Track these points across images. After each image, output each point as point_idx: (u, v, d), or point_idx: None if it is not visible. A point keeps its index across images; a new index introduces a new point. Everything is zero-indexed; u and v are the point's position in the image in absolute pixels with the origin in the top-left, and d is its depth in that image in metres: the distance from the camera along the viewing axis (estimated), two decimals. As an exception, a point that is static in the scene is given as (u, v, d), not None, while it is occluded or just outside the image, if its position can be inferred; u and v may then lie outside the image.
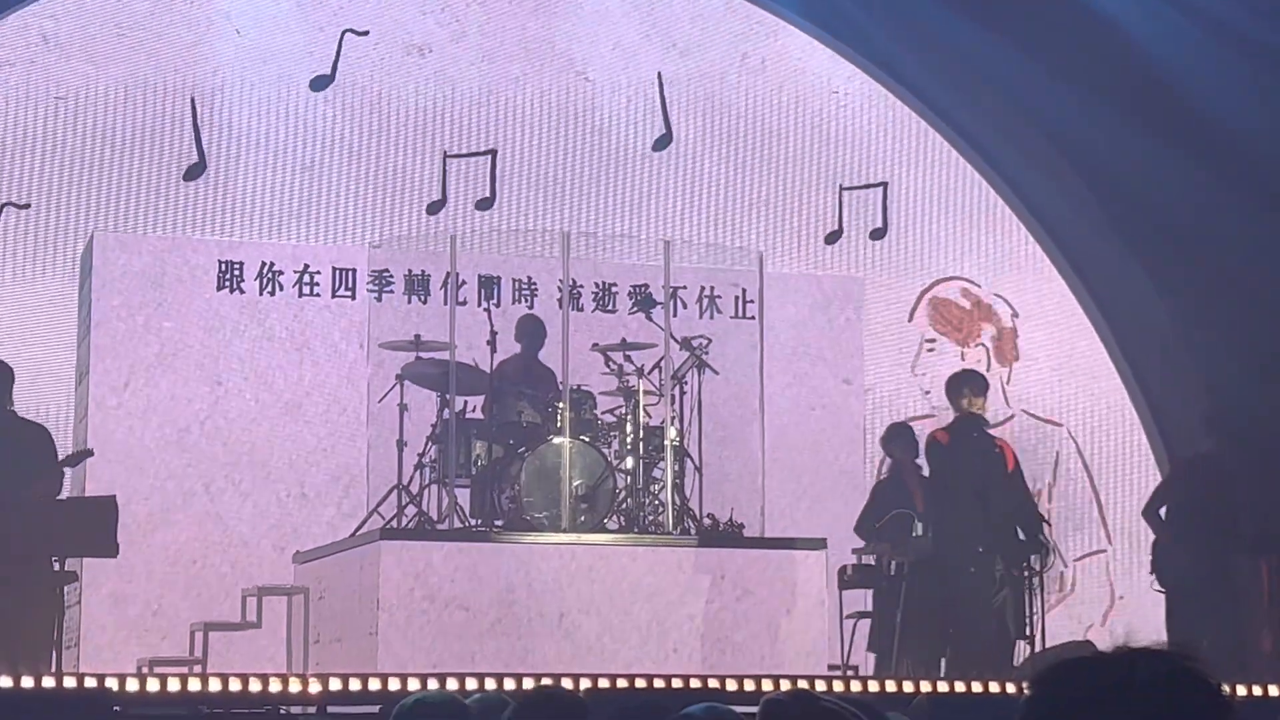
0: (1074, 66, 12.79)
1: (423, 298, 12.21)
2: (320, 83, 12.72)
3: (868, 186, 13.49)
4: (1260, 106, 12.40)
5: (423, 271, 12.28)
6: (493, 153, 12.88)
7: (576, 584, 10.11)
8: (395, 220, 12.74)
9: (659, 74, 13.18)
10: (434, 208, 12.73)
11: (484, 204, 12.88)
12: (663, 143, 13.20)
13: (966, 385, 10.93)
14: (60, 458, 10.09)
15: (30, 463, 9.68)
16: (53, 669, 9.18)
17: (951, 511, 10.55)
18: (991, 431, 11.25)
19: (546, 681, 8.09)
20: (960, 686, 9.15)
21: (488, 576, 10.02)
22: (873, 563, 11.42)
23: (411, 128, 12.85)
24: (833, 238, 13.45)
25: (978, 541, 10.44)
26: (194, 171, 12.35)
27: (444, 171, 12.79)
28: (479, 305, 11.83)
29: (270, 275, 12.13)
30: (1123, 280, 13.43)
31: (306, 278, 12.19)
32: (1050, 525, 11.83)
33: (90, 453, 10.68)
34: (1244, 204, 12.56)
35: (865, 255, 13.58)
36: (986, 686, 9.23)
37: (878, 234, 13.53)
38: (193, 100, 12.36)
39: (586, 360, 11.23)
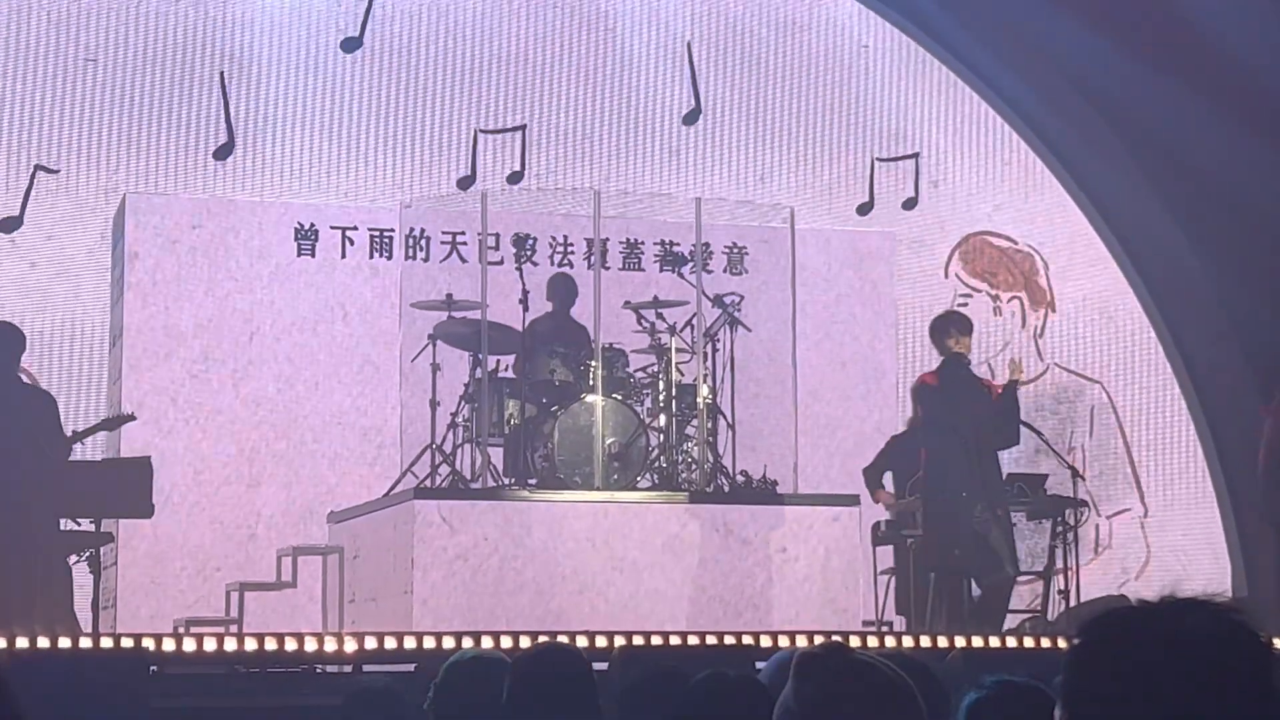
0: (1105, 17, 12.69)
1: (454, 258, 12.21)
2: (350, 44, 12.69)
3: (900, 159, 13.44)
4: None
5: (454, 232, 12.27)
6: (523, 127, 12.83)
7: (610, 542, 10.12)
8: (426, 180, 12.71)
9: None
10: (464, 183, 12.69)
11: (514, 178, 12.83)
12: (692, 116, 13.15)
13: (953, 325, 10.74)
14: (63, 424, 9.96)
15: (34, 431, 9.61)
16: (89, 630, 9.21)
17: (945, 456, 10.38)
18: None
19: (563, 639, 8.08)
20: (995, 642, 9.14)
21: (521, 535, 10.03)
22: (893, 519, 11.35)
23: (442, 87, 12.81)
24: (864, 209, 13.42)
25: (967, 484, 10.29)
26: (223, 151, 12.32)
27: (474, 146, 12.73)
28: (513, 264, 11.80)
29: (303, 236, 12.13)
30: (1157, 233, 13.34)
31: (339, 238, 12.18)
32: (1084, 479, 11.77)
33: (132, 417, 10.64)
34: (1278, 154, 12.45)
35: (898, 218, 13.54)
36: (1021, 642, 9.22)
37: (910, 204, 13.49)
38: (221, 75, 12.32)
39: (619, 318, 11.22)
